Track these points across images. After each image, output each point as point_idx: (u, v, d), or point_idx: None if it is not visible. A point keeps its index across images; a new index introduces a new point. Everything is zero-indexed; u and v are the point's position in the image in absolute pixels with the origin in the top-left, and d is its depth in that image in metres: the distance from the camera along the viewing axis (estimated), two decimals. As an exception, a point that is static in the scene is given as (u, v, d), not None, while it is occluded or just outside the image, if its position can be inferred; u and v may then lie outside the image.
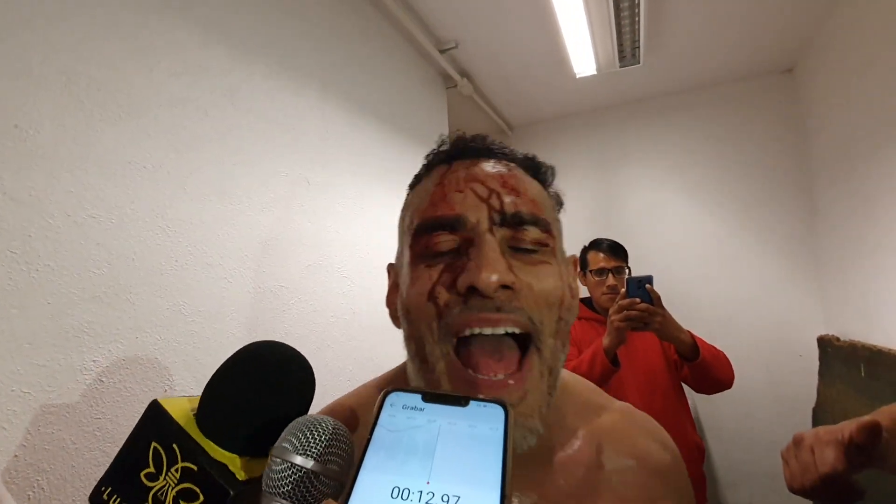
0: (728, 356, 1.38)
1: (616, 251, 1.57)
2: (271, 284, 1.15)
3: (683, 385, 1.47)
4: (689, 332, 1.32)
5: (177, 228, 0.93)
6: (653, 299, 1.25)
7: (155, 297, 0.88)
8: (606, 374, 1.27)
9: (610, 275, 1.53)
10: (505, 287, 0.38)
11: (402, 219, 0.48)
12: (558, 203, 0.50)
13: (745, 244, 2.42)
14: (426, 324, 0.40)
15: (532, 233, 0.42)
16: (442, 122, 2.22)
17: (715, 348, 1.37)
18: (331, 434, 0.35)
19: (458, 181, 0.43)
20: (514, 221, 0.41)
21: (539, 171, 0.48)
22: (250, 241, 1.10)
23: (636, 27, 1.86)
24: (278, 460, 0.33)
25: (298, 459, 0.33)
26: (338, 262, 1.39)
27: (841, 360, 1.89)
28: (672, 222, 2.57)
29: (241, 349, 0.44)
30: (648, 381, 1.42)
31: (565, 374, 0.53)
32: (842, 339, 1.93)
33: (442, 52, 1.99)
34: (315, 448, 0.34)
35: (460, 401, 0.30)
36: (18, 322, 0.68)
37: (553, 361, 0.41)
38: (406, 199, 0.50)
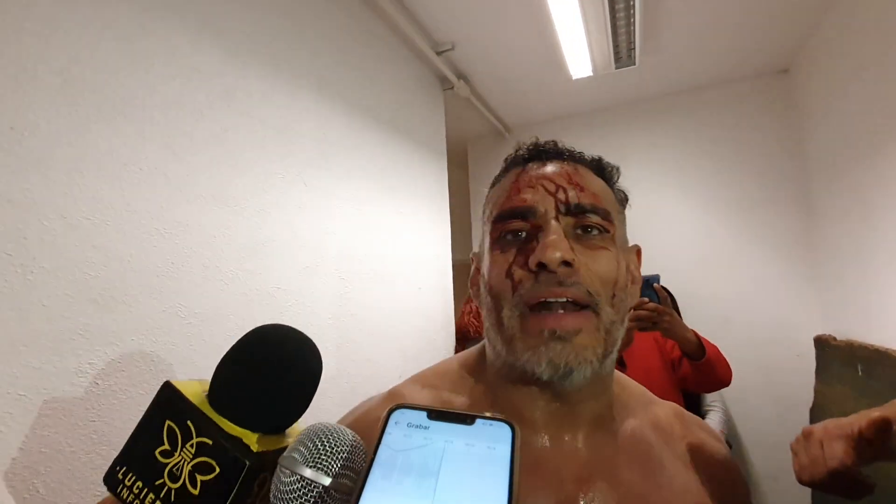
0: (725, 355, 1.38)
1: None
2: (268, 287, 1.15)
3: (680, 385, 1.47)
4: (693, 330, 1.32)
5: (173, 230, 0.93)
6: (660, 298, 1.24)
7: (151, 300, 0.88)
8: None
9: None
10: (566, 264, 0.44)
11: (483, 212, 0.57)
12: (623, 200, 0.57)
13: (742, 244, 2.43)
14: (504, 296, 0.47)
15: (593, 219, 0.48)
16: (439, 124, 2.22)
17: (715, 347, 1.38)
18: (349, 447, 0.34)
19: (530, 179, 0.51)
20: (576, 211, 0.48)
21: (604, 171, 0.56)
22: (247, 243, 1.10)
23: (632, 28, 1.86)
24: (287, 471, 0.32)
25: (308, 472, 0.32)
26: (335, 265, 1.39)
27: (838, 359, 1.89)
28: (669, 223, 2.58)
29: (252, 330, 0.45)
30: (647, 381, 1.42)
31: (620, 376, 0.59)
32: (839, 338, 1.94)
33: (438, 53, 1.99)
34: (333, 462, 0.33)
35: (466, 419, 0.30)
36: (14, 325, 0.68)
37: (610, 325, 0.47)
38: (486, 196, 0.58)
